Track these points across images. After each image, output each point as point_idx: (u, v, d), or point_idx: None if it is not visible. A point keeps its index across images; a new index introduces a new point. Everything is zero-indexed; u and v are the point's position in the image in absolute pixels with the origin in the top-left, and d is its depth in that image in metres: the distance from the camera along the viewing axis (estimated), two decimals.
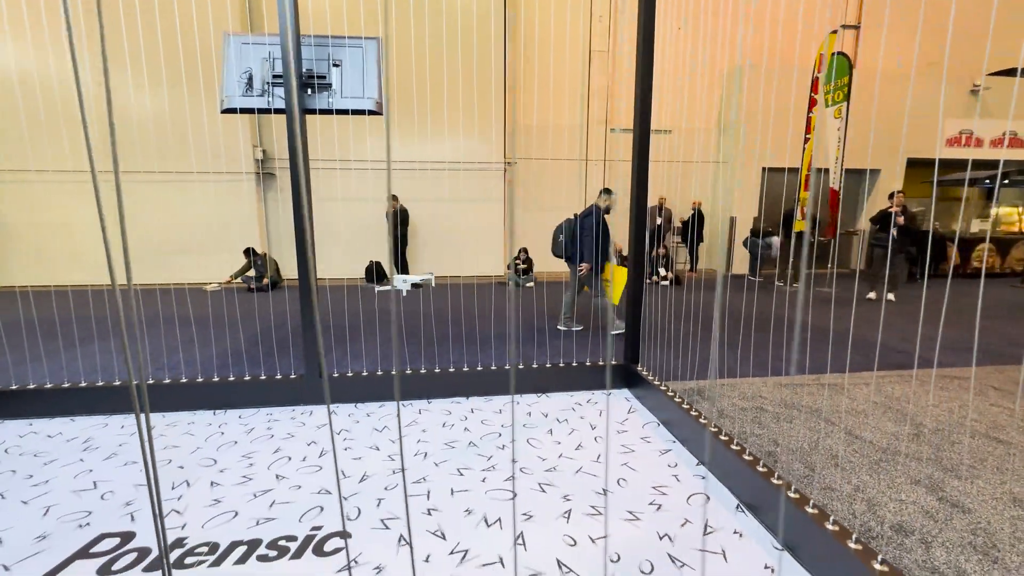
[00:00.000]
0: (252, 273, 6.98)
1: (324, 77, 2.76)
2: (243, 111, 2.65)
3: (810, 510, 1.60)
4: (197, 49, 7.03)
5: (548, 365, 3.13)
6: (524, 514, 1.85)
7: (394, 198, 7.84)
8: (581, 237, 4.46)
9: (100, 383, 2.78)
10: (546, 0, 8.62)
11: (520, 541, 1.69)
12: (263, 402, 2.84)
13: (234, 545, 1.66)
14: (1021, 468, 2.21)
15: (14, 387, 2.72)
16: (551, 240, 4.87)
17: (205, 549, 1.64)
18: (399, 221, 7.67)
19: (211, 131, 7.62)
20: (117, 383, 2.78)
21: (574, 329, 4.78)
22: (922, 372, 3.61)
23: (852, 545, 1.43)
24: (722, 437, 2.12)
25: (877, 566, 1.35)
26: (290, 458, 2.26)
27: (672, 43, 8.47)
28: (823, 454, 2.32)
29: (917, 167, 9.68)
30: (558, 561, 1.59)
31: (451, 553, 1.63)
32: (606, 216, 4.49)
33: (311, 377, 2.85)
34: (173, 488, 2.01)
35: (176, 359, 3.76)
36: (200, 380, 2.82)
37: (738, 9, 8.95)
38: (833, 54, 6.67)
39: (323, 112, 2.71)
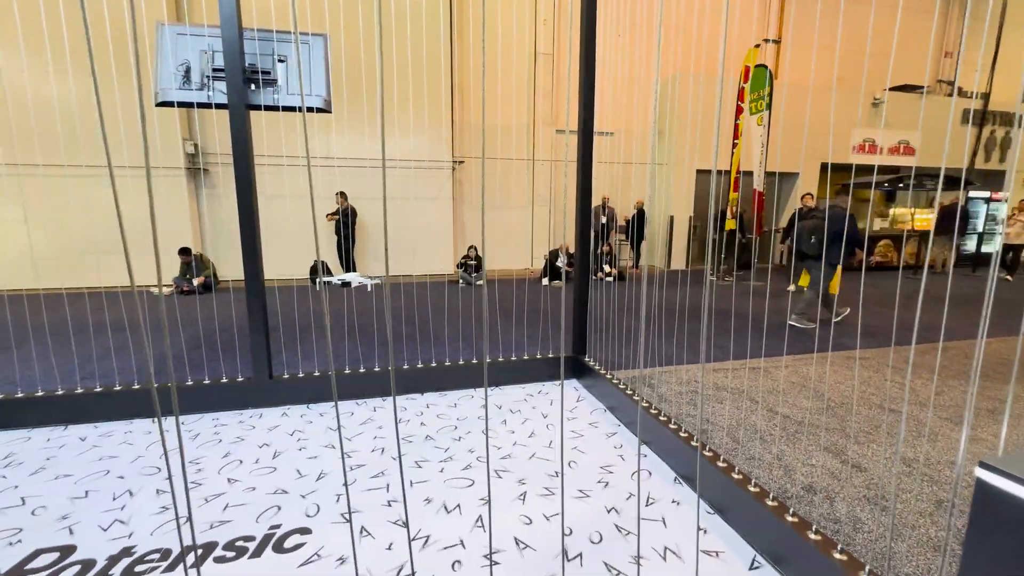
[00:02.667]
0: (181, 274, 6.57)
1: (269, 72, 2.70)
2: (180, 105, 2.54)
3: (736, 476, 1.81)
4: (108, 35, 6.51)
5: (500, 359, 3.24)
6: (481, 499, 1.94)
7: (343, 196, 7.64)
8: (849, 237, 4.79)
9: (20, 395, 2.57)
10: (493, 2, 8.71)
11: (479, 523, 1.78)
12: (208, 407, 2.75)
13: (187, 550, 1.64)
14: (907, 433, 2.58)
15: None
16: (798, 240, 5.05)
17: (156, 556, 1.61)
18: (347, 220, 7.49)
19: (133, 123, 7.08)
20: (40, 393, 2.58)
21: (808, 326, 5.01)
22: (833, 355, 4.05)
23: (769, 503, 1.65)
24: (661, 418, 2.31)
25: (789, 518, 1.56)
26: (241, 461, 2.22)
27: (613, 50, 8.83)
28: (748, 429, 2.58)
29: (829, 171, 10.69)
30: (515, 539, 1.70)
31: (413, 539, 1.69)
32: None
33: (260, 379, 2.78)
34: (115, 499, 1.93)
35: (108, 366, 3.52)
36: (136, 387, 2.68)
37: (674, 21, 9.47)
38: (756, 66, 7.26)
39: (269, 108, 2.66)
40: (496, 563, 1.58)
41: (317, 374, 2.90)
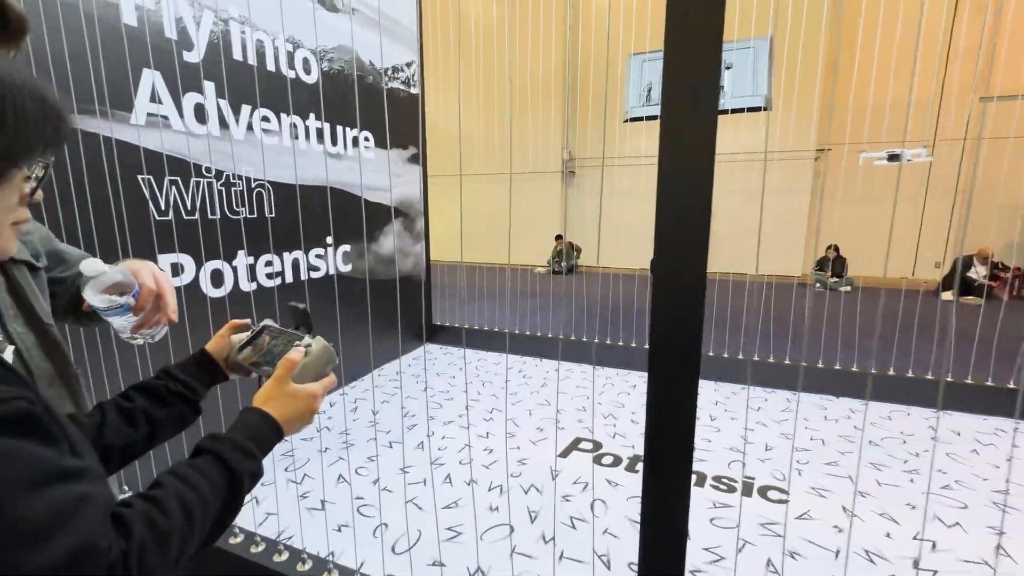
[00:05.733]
0: (553, 257, 8.18)
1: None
2: (648, 119, 3.14)
3: None
4: (526, 75, 8.43)
5: (949, 379, 2.75)
6: (989, 527, 1.72)
7: None
8: None
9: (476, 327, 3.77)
10: None
11: (1000, 550, 1.59)
12: (625, 365, 3.35)
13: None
14: None
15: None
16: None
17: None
18: None
19: (525, 137, 9.10)
20: (485, 328, 3.71)
21: None
22: None
23: None
24: None
25: None
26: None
27: None
28: None
29: None
30: None
31: (921, 539, 1.66)
32: None
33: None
34: (604, 417, 2.61)
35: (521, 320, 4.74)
36: (585, 340, 3.52)
37: None
38: None
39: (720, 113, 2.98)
40: None
41: (727, 356, 3.14)
